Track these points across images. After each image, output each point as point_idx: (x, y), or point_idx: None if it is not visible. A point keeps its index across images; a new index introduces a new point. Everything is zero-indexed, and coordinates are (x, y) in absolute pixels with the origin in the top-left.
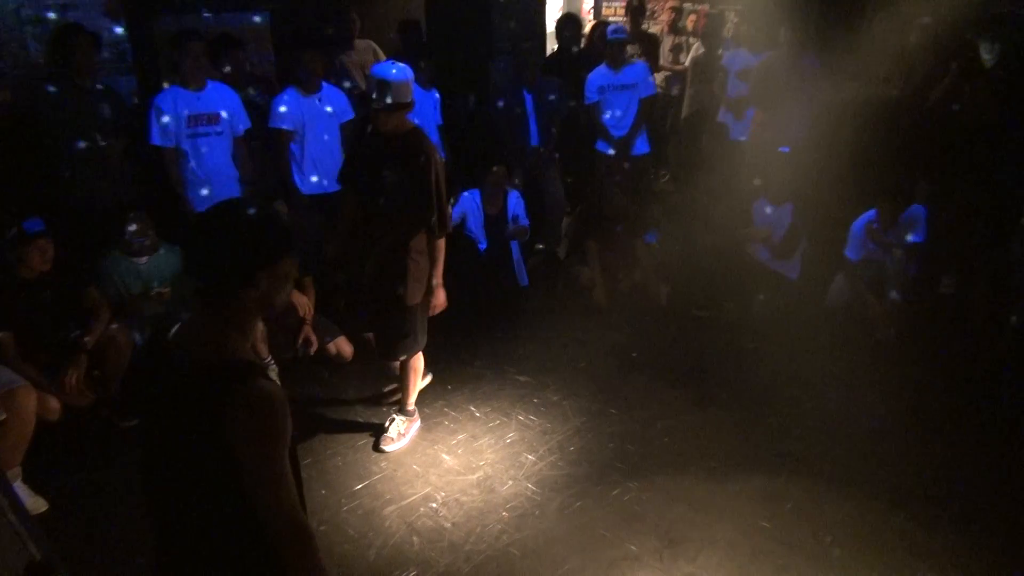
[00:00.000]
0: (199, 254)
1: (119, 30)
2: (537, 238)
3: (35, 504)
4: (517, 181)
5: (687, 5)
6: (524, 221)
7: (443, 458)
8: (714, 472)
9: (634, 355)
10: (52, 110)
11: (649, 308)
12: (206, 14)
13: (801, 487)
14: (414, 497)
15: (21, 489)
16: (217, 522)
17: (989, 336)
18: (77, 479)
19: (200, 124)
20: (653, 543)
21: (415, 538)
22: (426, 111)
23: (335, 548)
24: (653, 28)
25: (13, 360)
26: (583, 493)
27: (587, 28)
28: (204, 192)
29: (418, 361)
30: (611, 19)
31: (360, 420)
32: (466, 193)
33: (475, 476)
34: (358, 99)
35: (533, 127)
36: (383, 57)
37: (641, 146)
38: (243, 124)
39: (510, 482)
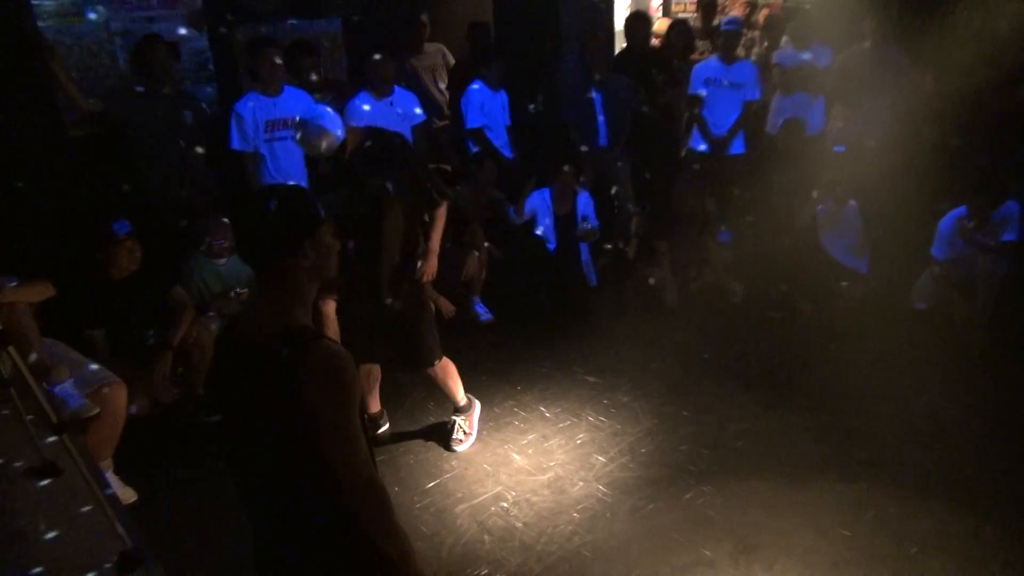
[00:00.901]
0: (247, 235)
1: (201, 40)
2: (606, 238)
3: (125, 495)
4: (586, 181)
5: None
6: (594, 221)
7: (513, 458)
8: (790, 478)
9: (705, 356)
10: (138, 118)
11: (721, 309)
12: (289, 21)
13: (884, 495)
14: (485, 496)
15: (113, 480)
16: (298, 481)
17: None
18: (164, 471)
19: (277, 128)
20: (728, 549)
21: (486, 537)
22: (495, 112)
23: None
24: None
25: (104, 357)
26: (655, 496)
27: (655, 25)
28: None
29: (445, 363)
30: (681, 15)
31: (431, 419)
32: (536, 193)
33: (545, 476)
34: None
35: (602, 127)
36: (451, 60)
37: (737, 146)
38: None
39: (580, 483)
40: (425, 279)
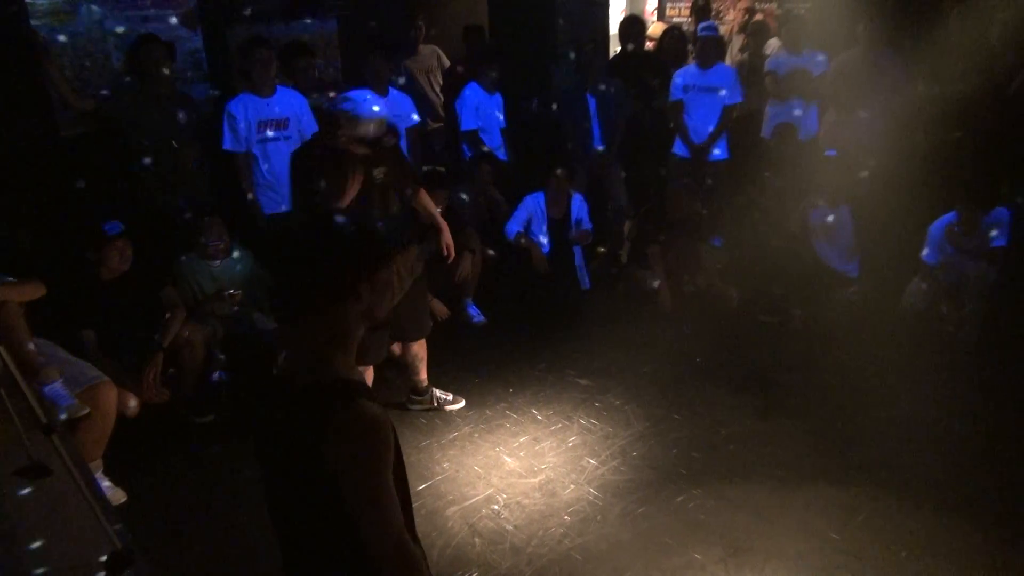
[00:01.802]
0: (300, 274)
1: (195, 39)
2: (599, 241)
3: (115, 495)
4: (580, 184)
5: (757, 5)
6: (587, 225)
7: (505, 460)
8: (782, 481)
9: (698, 360)
10: (132, 117)
11: (714, 313)
12: (284, 22)
13: (873, 498)
14: (476, 499)
15: (102, 481)
16: (326, 542)
17: None
18: (154, 472)
19: (270, 129)
20: (718, 552)
21: (477, 540)
22: (490, 114)
23: None
24: (720, 29)
25: (95, 357)
26: (646, 499)
27: (650, 29)
28: (274, 195)
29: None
30: (675, 20)
31: (423, 421)
32: (530, 196)
33: (537, 479)
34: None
35: (596, 130)
36: (446, 62)
37: (720, 152)
38: (311, 128)
39: (572, 486)
40: (450, 256)
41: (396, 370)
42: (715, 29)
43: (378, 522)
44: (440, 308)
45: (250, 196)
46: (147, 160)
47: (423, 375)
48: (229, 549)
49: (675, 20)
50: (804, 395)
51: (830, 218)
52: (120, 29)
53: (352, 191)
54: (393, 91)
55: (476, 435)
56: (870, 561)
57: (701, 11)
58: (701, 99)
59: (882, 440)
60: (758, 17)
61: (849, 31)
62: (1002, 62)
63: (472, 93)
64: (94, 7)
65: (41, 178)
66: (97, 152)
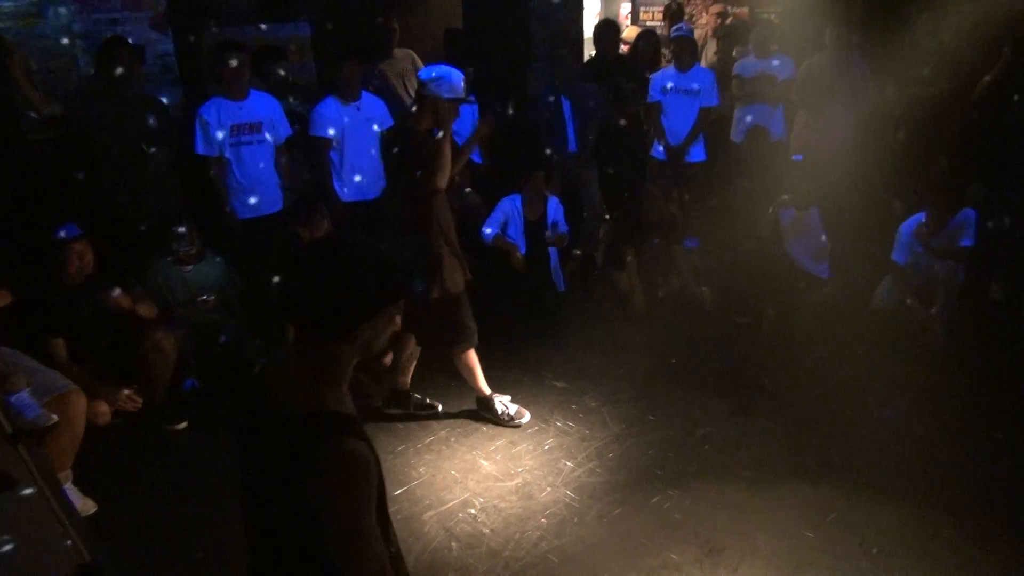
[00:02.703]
0: (302, 299)
1: (166, 43)
2: (575, 244)
3: (85, 506)
4: (556, 187)
5: (729, 9)
6: (563, 227)
7: (481, 464)
8: (756, 481)
9: (673, 361)
10: (100, 121)
11: (689, 314)
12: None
13: (846, 497)
14: (453, 503)
15: (71, 491)
16: (303, 573)
17: None
18: (126, 482)
19: (243, 133)
20: (694, 552)
21: (454, 544)
22: (464, 118)
23: None
24: (694, 33)
25: (64, 364)
26: (622, 500)
27: (624, 33)
28: (247, 200)
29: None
30: (649, 24)
31: (399, 426)
32: (506, 198)
33: (513, 482)
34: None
35: (571, 133)
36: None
37: (697, 153)
38: (285, 132)
39: (548, 489)
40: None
41: (371, 376)
42: (689, 30)
43: (359, 558)
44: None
45: (227, 208)
46: (116, 165)
47: (407, 378)
48: (202, 560)
49: (649, 24)
50: (777, 395)
51: (801, 220)
52: (88, 31)
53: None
54: (366, 95)
55: (453, 439)
56: (842, 558)
57: (674, 15)
58: (679, 101)
59: (854, 439)
60: (730, 21)
61: (817, 36)
62: (967, 66)
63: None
64: (61, 9)
65: (7, 183)
66: (64, 157)
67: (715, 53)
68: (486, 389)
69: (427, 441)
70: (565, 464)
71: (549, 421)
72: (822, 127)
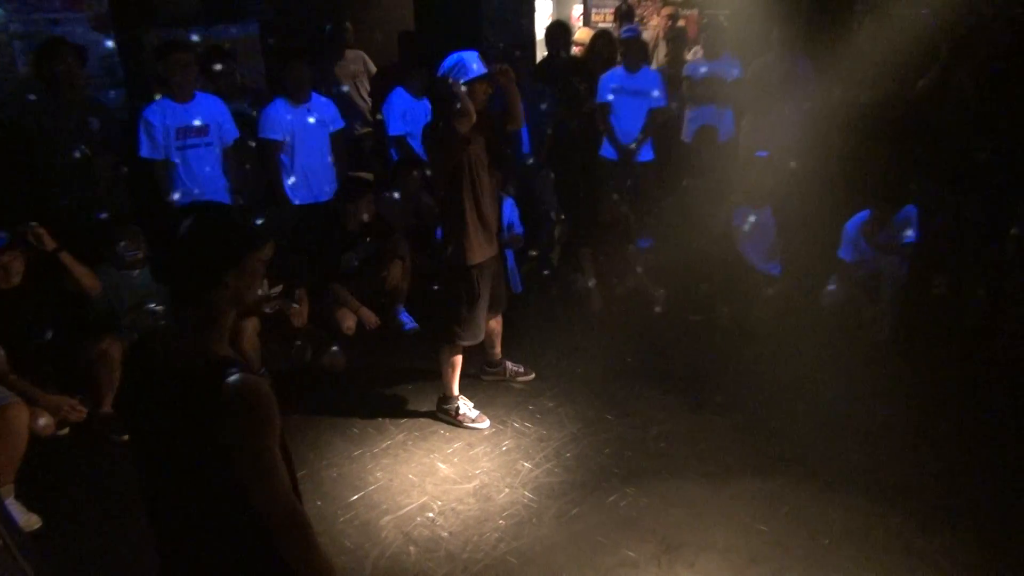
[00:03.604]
0: (168, 260)
1: (108, 43)
2: (530, 245)
3: (28, 521)
4: (511, 189)
5: (680, 11)
6: (519, 229)
7: (439, 467)
8: (711, 476)
9: (629, 360)
10: (39, 123)
11: (644, 314)
12: (194, 28)
13: (798, 490)
14: (410, 507)
15: (13, 506)
16: (215, 516)
17: (983, 337)
18: (71, 495)
19: (189, 136)
20: (651, 549)
21: (412, 548)
22: (418, 119)
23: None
24: (643, 34)
25: (4, 375)
26: (580, 500)
27: (576, 35)
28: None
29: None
30: (601, 25)
31: (356, 431)
32: None
33: (471, 485)
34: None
35: (524, 135)
36: (373, 67)
37: (646, 153)
38: (232, 135)
39: (506, 490)
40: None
41: (328, 380)
42: (637, 31)
43: (270, 488)
44: (370, 317)
45: (170, 204)
46: (59, 169)
47: (498, 348)
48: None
49: (600, 25)
50: (731, 391)
51: (752, 219)
52: (27, 31)
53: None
54: (316, 96)
55: (410, 443)
56: (794, 550)
57: (624, 16)
58: (628, 102)
59: (805, 433)
60: (681, 23)
61: (765, 37)
62: (909, 67)
63: (399, 98)
64: None
65: None
66: (4, 161)
67: (666, 55)
68: (456, 389)
69: (384, 445)
70: (523, 465)
71: (506, 422)
72: (769, 128)
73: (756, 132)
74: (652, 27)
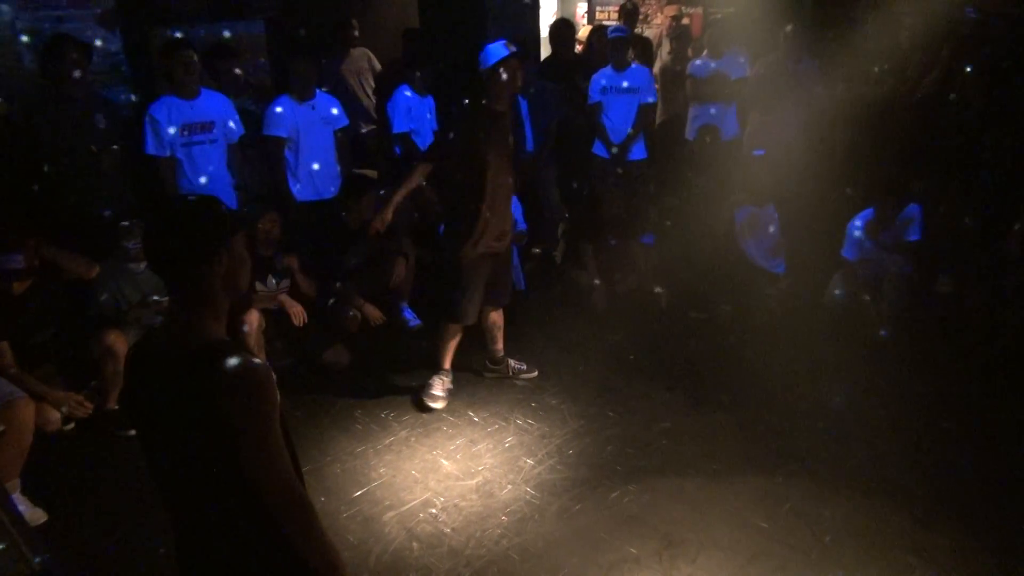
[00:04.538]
0: (156, 244)
1: (114, 40)
2: (534, 242)
3: (34, 515)
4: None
5: (684, 9)
6: (522, 225)
7: (442, 463)
8: (713, 474)
9: (631, 358)
10: (45, 120)
11: (647, 311)
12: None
13: (800, 487)
14: (413, 503)
15: (20, 501)
16: (220, 498)
17: (986, 335)
18: (77, 490)
19: (194, 133)
20: (653, 545)
21: (415, 544)
22: (422, 117)
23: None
24: (647, 32)
25: (11, 371)
26: (582, 496)
27: (580, 33)
28: None
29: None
30: (605, 23)
31: (359, 427)
32: None
33: (474, 481)
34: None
35: (528, 132)
36: (378, 65)
37: (638, 151)
38: (237, 131)
39: (509, 487)
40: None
41: (328, 376)
42: (625, 31)
43: (271, 468)
44: (374, 313)
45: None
46: (65, 165)
47: (500, 345)
48: (154, 567)
49: (605, 23)
50: (734, 389)
51: (756, 217)
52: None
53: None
54: (320, 94)
55: (413, 439)
56: (797, 547)
57: (629, 15)
58: (618, 100)
59: (807, 431)
60: (685, 21)
61: (770, 36)
62: (913, 66)
63: (404, 95)
64: (3, 6)
65: None
66: (9, 157)
67: (669, 53)
68: (445, 363)
69: (387, 442)
70: (525, 461)
71: (509, 419)
72: (774, 126)
73: (761, 130)
74: (656, 25)
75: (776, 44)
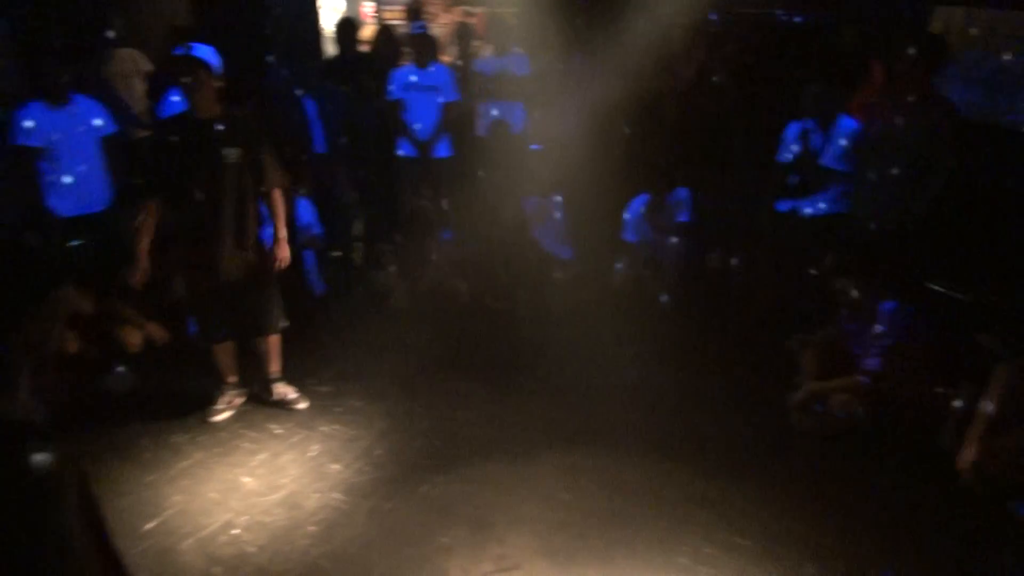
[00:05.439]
0: None
1: None
2: (331, 245)
3: None
4: (304, 189)
5: (468, 9)
6: (317, 229)
7: (243, 481)
8: (517, 455)
9: (436, 353)
10: None
11: (449, 306)
12: None
13: (596, 457)
14: (213, 526)
15: None
16: None
17: (742, 300)
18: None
19: None
20: (464, 532)
21: (217, 569)
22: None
23: None
24: (434, 31)
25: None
26: (392, 494)
27: (365, 31)
28: None
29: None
30: (394, 22)
31: (148, 455)
32: None
33: (278, 495)
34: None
35: (317, 134)
36: (147, 66)
37: (443, 149)
38: None
39: (315, 495)
40: (281, 266)
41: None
42: (424, 27)
43: None
44: (159, 332)
45: None
46: None
47: (271, 368)
48: None
49: (392, 22)
50: (534, 373)
51: (542, 206)
52: None
53: None
54: (78, 98)
55: (210, 460)
56: (594, 513)
57: (414, 14)
58: (421, 98)
59: (601, 404)
60: (469, 20)
61: (549, 36)
62: (681, 65)
63: (177, 101)
64: None
65: None
66: None
67: (456, 51)
68: (225, 377)
69: (181, 466)
70: (332, 468)
71: (313, 427)
72: (553, 120)
73: (544, 125)
74: (442, 24)
75: (551, 44)
